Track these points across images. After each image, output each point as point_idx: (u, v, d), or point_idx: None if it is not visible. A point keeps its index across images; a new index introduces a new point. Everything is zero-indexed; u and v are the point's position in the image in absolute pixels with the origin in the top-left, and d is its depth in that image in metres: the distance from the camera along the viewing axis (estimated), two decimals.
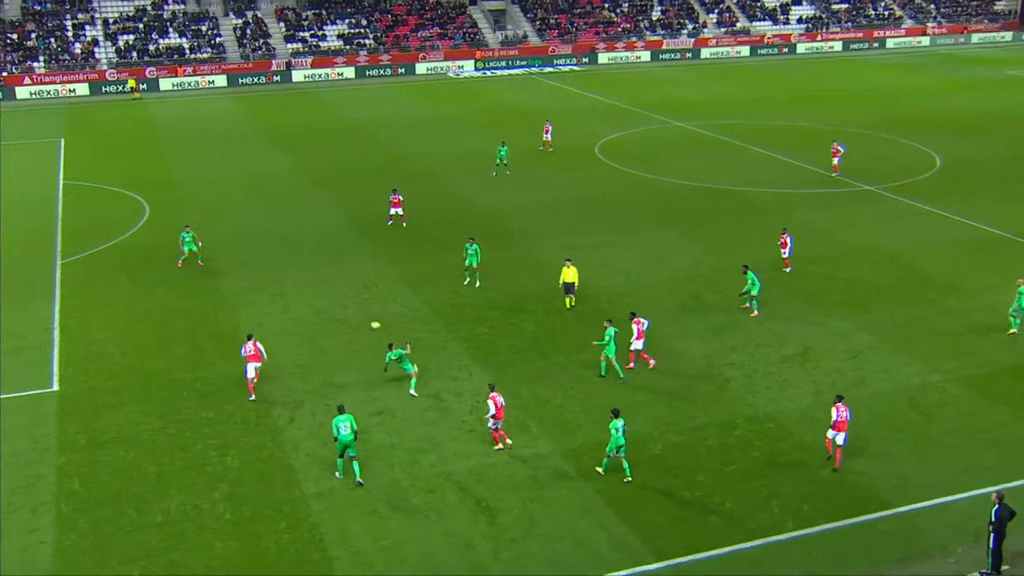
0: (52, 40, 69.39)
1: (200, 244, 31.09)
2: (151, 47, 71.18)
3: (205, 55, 71.48)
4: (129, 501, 18.76)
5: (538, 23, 79.95)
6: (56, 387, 23.11)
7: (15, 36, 69.14)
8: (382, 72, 73.15)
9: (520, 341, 24.49)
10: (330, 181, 41.84)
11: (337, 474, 19.29)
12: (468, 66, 74.42)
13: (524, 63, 75.43)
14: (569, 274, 26.17)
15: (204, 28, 73.73)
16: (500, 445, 19.79)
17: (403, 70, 73.51)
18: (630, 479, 18.40)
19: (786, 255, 27.95)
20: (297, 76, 71.51)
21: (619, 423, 18.40)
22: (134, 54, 70.12)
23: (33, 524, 18.03)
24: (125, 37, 71.46)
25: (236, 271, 30.70)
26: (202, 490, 19.01)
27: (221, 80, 69.44)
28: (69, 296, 28.85)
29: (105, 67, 68.49)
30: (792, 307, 25.68)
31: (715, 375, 22.27)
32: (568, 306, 26.24)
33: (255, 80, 70.40)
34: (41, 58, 68.09)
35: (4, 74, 65.29)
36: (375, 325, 24.73)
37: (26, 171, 44.71)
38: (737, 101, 56.69)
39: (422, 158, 45.05)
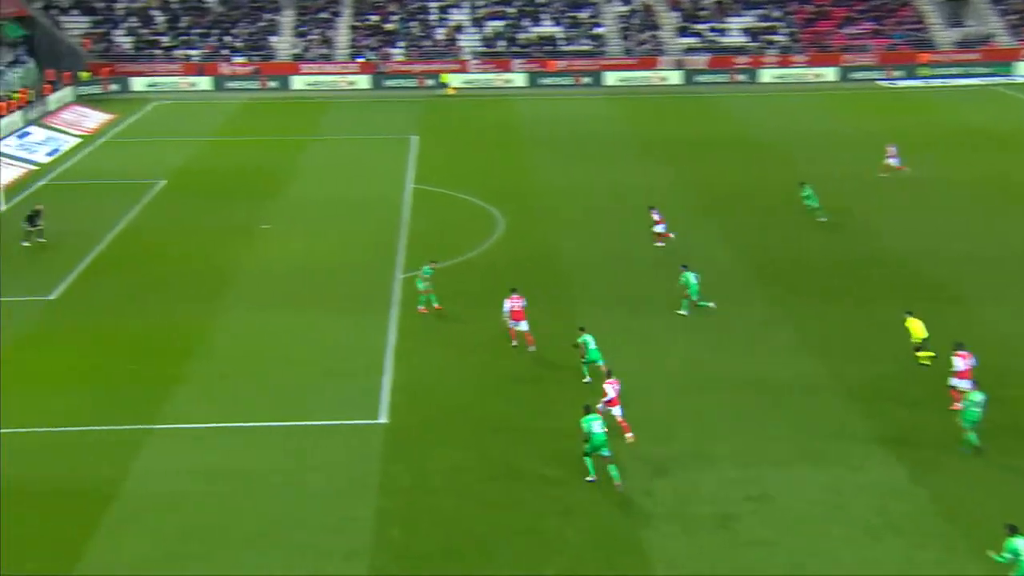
0: (414, 24, 79.52)
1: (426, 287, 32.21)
2: (520, 35, 78.43)
3: (582, 47, 77.06)
4: (451, 561, 20.39)
5: (1014, 18, 75.87)
6: (384, 419, 25.95)
7: (375, 18, 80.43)
8: (791, 75, 73.53)
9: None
10: (720, 204, 42.85)
11: (588, 477, 22.49)
12: (903, 72, 73.50)
13: (985, 70, 72.80)
14: (917, 327, 28.05)
15: (583, 16, 79.59)
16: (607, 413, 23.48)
17: (821, 74, 73.47)
18: None
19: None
20: (684, 77, 73.96)
21: None
22: (501, 43, 77.88)
23: (346, 572, 20.22)
24: (493, 23, 79.53)
25: (591, 304, 32.73)
26: (533, 562, 20.19)
27: (601, 78, 74.10)
28: (407, 316, 32.39)
29: (468, 57, 76.68)
30: None
31: None
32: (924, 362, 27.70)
33: (636, 79, 74.29)
34: (401, 43, 78.36)
35: (361, 60, 76.06)
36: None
37: (376, 170, 51.06)
38: None
39: (836, 181, 45.42)
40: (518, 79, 74.16)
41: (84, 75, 72.31)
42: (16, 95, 63.30)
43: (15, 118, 60.54)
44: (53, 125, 61.63)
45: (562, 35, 78.03)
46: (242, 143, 58.23)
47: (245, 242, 40.02)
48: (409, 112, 66.01)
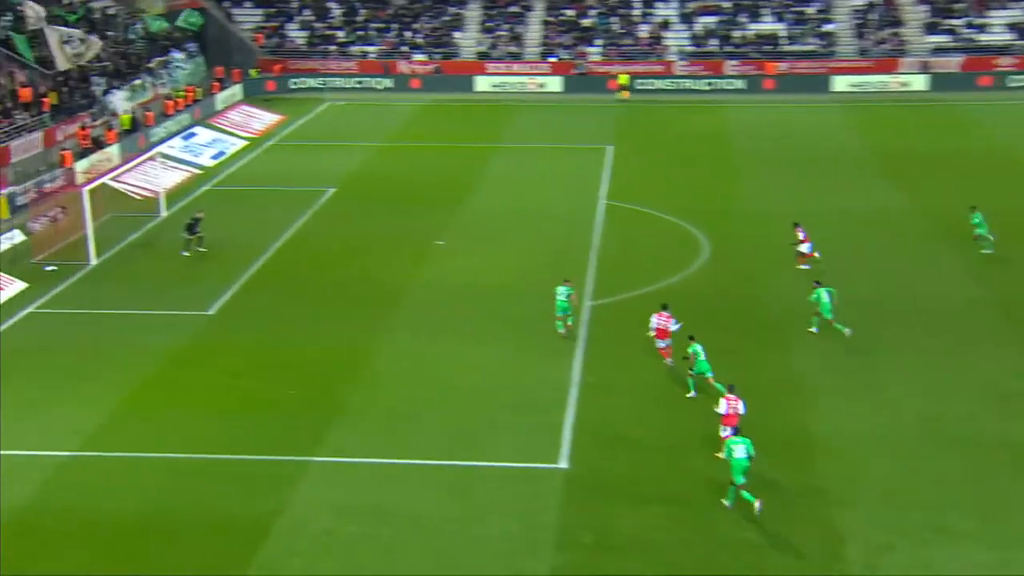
0: (614, 20, 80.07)
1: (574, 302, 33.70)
2: (735, 33, 77.88)
3: (808, 46, 75.78)
4: None
5: None
6: (564, 464, 26.10)
7: (571, 13, 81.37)
8: None
9: None
10: (962, 231, 41.44)
11: (726, 501, 23.81)
12: None
13: None
14: None
15: (811, 11, 78.25)
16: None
17: None
18: None
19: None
20: (930, 82, 71.64)
21: None
22: (713, 41, 77.48)
23: None
24: (705, 19, 79.28)
25: (805, 346, 32.52)
26: None
27: (829, 83, 72.64)
28: (595, 348, 32.54)
29: (674, 57, 76.60)
30: None
31: None
32: None
33: (871, 85, 72.58)
34: (599, 42, 79.01)
35: (554, 59, 77.09)
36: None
37: (565, 183, 51.66)
38: None
39: None
40: (731, 83, 73.55)
41: (254, 72, 76.05)
42: (182, 93, 67.13)
43: (183, 117, 64.19)
44: (219, 126, 64.96)
45: (784, 33, 76.97)
46: (419, 149, 59.81)
47: (418, 258, 41.01)
48: (605, 118, 66.41)
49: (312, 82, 76.68)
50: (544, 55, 77.71)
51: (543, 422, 28.21)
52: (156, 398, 30.11)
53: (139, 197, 48.74)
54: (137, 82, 63.61)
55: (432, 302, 36.73)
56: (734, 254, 40.17)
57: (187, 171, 55.11)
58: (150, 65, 67.51)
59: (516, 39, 79.37)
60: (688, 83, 74.21)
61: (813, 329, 33.03)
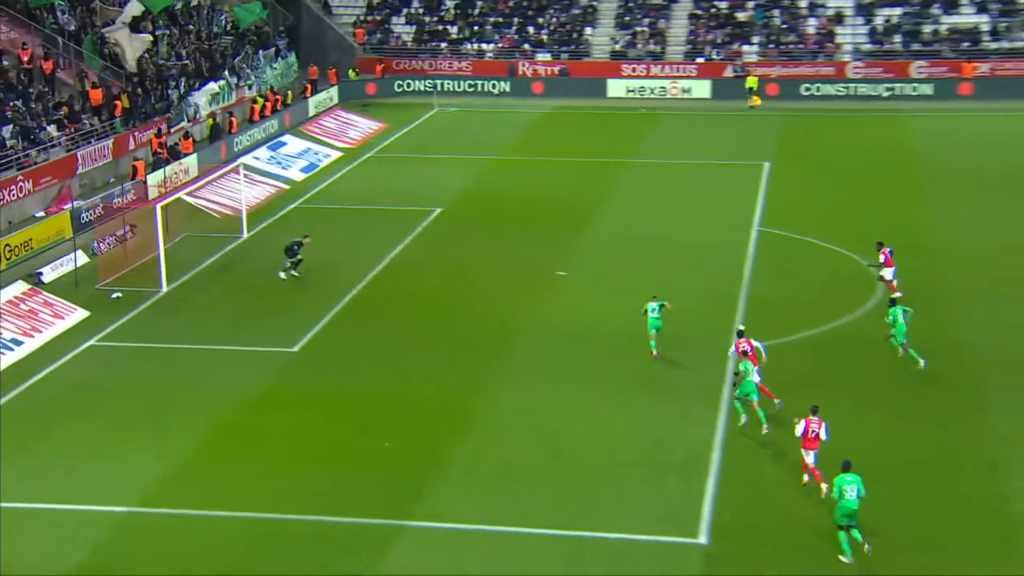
0: (776, 13, 79.64)
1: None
2: (926, 28, 76.57)
3: (1018, 43, 74.23)
4: None
5: None
6: (704, 540, 25.78)
7: (723, 5, 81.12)
8: None
9: None
10: None
11: (845, 558, 24.21)
12: None
13: None
14: None
15: (1021, 1, 76.62)
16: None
17: None
18: None
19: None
20: None
21: None
22: (897, 38, 76.43)
23: None
24: (889, 11, 78.25)
25: (1010, 402, 32.06)
26: None
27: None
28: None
29: (848, 57, 75.89)
30: None
31: None
32: None
33: None
34: (756, 39, 78.65)
35: (702, 59, 76.96)
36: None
37: (712, 206, 51.60)
38: None
39: None
40: (917, 87, 72.48)
41: (353, 74, 77.51)
42: (261, 98, 68.34)
43: (270, 124, 65.70)
44: (312, 134, 66.32)
45: (988, 27, 75.50)
46: (540, 164, 60.31)
47: (534, 291, 41.25)
48: (761, 130, 66.16)
49: (419, 85, 77.91)
50: (690, 55, 77.64)
51: (678, 488, 27.99)
52: (231, 447, 30.66)
53: (219, 215, 50.09)
54: (219, 84, 65.33)
55: (550, 343, 36.81)
56: (915, 295, 39.44)
57: (274, 186, 56.36)
58: (235, 64, 69.31)
59: (658, 36, 79.47)
60: (864, 88, 73.44)
61: (897, 346, 34.33)
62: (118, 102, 57.67)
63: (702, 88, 75.26)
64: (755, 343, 32.00)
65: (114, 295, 41.63)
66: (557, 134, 67.17)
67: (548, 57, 78.90)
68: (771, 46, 77.15)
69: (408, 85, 77.96)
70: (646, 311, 35.35)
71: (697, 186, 55.16)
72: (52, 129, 52.37)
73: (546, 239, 46.95)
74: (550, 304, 39.99)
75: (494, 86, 77.60)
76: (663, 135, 66.09)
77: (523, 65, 78.14)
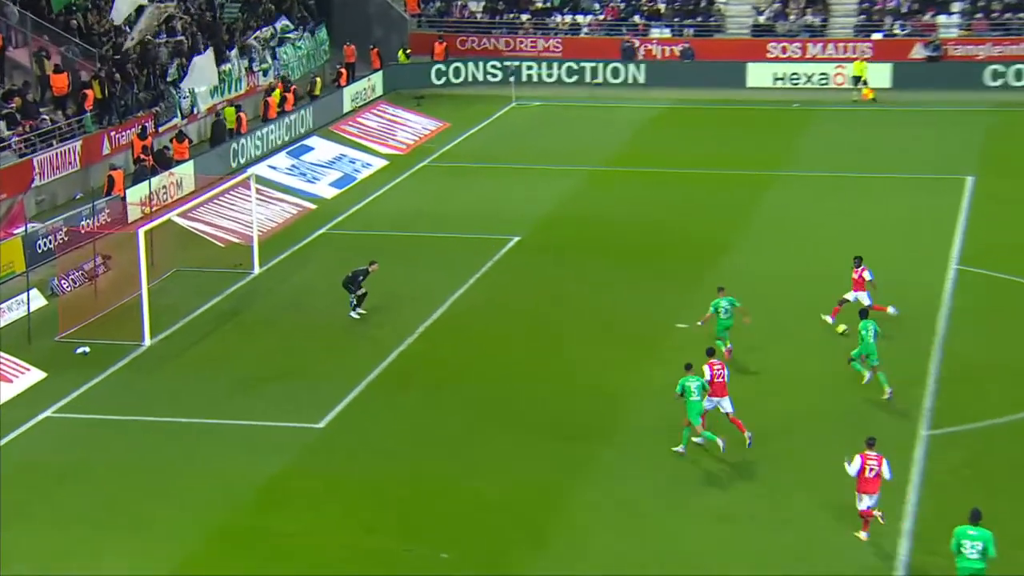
0: None
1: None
2: None
3: None
4: None
5: None
6: None
7: None
8: None
9: None
10: None
11: None
12: None
13: None
14: None
15: None
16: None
17: None
18: None
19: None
20: None
21: None
22: None
23: None
24: None
25: None
26: None
27: None
28: (933, 513, 31.75)
29: None
30: None
31: None
32: None
33: None
34: (958, 8, 77.98)
35: (879, 36, 76.39)
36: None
37: (894, 234, 51.49)
38: None
39: None
40: None
41: (403, 56, 77.85)
42: (281, 87, 68.67)
43: (292, 121, 65.98)
44: (347, 136, 66.66)
45: None
46: (654, 178, 60.35)
47: (645, 349, 41.13)
48: (963, 132, 66.04)
49: (492, 70, 78.05)
50: (863, 29, 77.17)
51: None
52: (233, 557, 30.38)
53: (221, 243, 50.26)
54: (225, 67, 65.74)
55: (664, 424, 36.27)
56: None
57: (295, 205, 56.58)
58: (246, 42, 69.69)
59: (816, 6, 79.12)
60: None
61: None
62: (89, 91, 58.03)
63: (880, 74, 74.82)
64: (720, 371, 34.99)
65: (80, 350, 41.79)
66: (677, 138, 67.29)
67: (666, 33, 79.01)
68: (979, 16, 76.54)
69: (477, 71, 78.14)
70: (716, 310, 38.78)
71: (872, 209, 54.95)
72: (0, 127, 52.86)
73: (660, 279, 46.83)
74: (667, 369, 39.40)
75: (592, 72, 77.63)
76: (822, 138, 65.89)
77: (632, 44, 78.11)
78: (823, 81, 75.32)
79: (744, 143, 65.49)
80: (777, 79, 75.88)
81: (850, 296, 42.00)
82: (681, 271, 47.59)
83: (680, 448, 34.20)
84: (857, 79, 72.74)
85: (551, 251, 50.44)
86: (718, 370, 34.65)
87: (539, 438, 35.78)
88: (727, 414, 34.65)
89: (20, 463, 35.11)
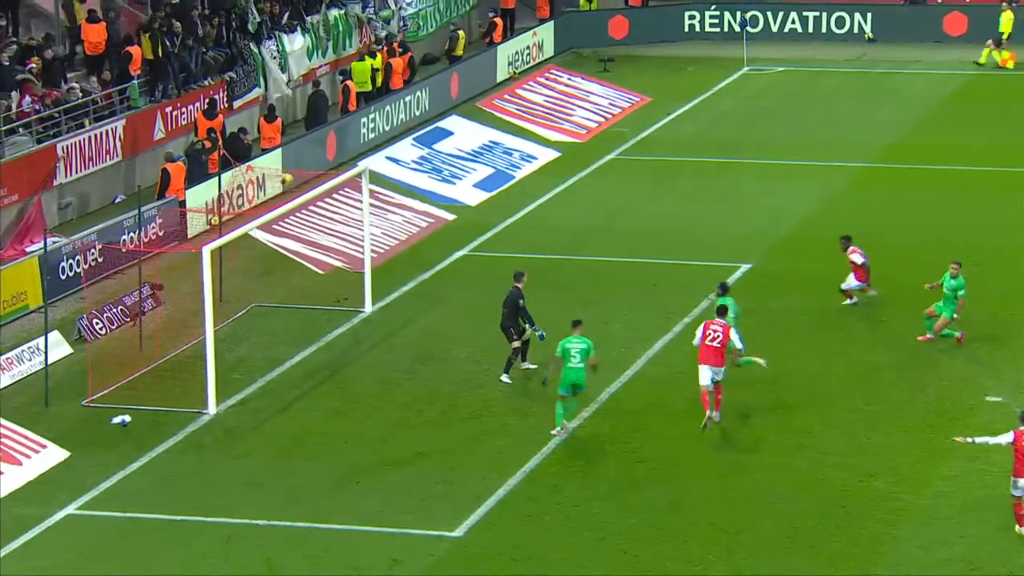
0: None
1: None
2: None
3: None
4: None
5: None
6: None
7: None
8: None
9: None
10: None
11: None
12: None
13: None
14: None
15: None
16: None
17: None
18: None
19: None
20: None
21: None
22: None
23: None
24: None
25: None
26: None
27: None
28: None
29: None
30: None
31: None
32: None
33: None
34: None
35: None
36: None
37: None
38: None
39: None
40: None
41: (585, 3, 78.34)
42: (402, 48, 69.25)
43: (420, 96, 66.46)
44: (502, 114, 67.08)
45: None
46: (958, 178, 61.13)
47: (936, 435, 40.90)
48: None
49: (712, 23, 78.34)
50: None
51: None
52: None
53: (320, 269, 50.68)
54: (335, 13, 66.44)
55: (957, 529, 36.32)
56: None
57: (426, 214, 56.97)
58: None
59: None
60: None
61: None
62: (135, 49, 58.63)
63: None
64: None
65: (117, 420, 42.24)
66: (993, 120, 67.00)
67: None
68: None
69: (691, 23, 78.43)
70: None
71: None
72: (11, 99, 53.51)
73: (969, 335, 46.53)
74: (962, 461, 39.49)
75: (858, 24, 77.61)
76: None
77: None
78: None
79: None
80: None
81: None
82: (1002, 319, 47.81)
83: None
84: (1000, 36, 73.10)
85: (798, 283, 50.74)
86: (715, 330, 37.71)
87: (798, 551, 35.51)
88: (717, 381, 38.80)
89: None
